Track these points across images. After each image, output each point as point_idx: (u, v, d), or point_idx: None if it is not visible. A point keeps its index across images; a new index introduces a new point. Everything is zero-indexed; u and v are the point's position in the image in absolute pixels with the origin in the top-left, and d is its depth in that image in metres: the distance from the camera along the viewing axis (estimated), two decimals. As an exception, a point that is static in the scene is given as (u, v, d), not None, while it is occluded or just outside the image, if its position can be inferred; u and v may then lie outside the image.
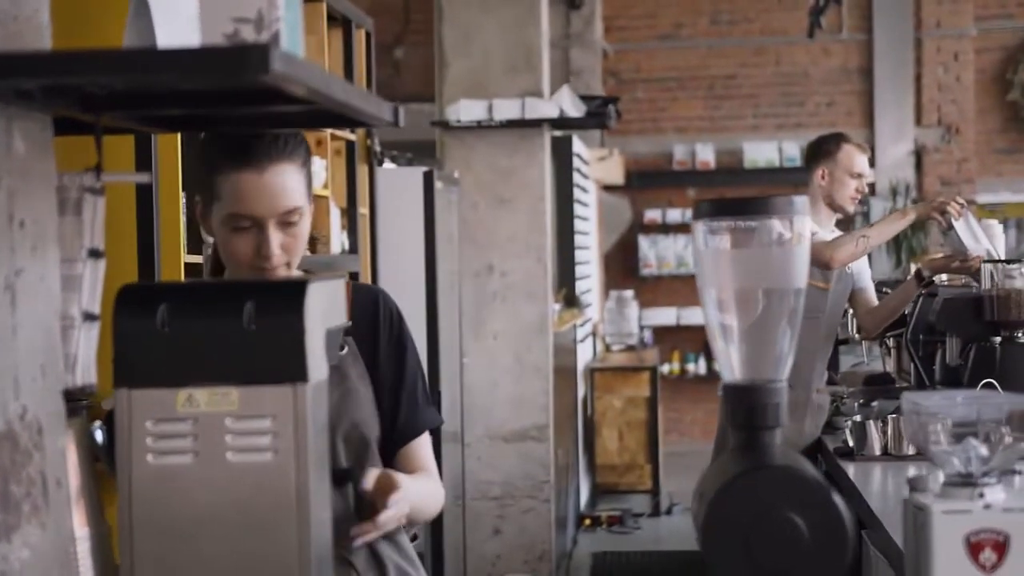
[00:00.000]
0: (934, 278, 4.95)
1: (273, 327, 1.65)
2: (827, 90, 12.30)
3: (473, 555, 6.72)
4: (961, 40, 12.10)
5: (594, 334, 10.10)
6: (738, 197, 1.92)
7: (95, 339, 1.63)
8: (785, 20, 12.17)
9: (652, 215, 12.09)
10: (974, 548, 1.76)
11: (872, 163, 12.00)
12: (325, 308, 1.76)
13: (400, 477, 2.26)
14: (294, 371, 1.65)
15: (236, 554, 1.64)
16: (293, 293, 1.67)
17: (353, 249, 5.32)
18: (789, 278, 1.87)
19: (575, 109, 6.61)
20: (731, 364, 1.88)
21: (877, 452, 4.41)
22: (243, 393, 1.63)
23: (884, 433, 4.41)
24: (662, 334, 11.72)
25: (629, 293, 10.32)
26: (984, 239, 4.85)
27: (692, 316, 11.65)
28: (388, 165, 6.38)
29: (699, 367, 12.04)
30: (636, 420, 9.10)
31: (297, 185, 2.24)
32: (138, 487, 1.63)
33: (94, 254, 1.61)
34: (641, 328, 10.61)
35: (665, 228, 12.05)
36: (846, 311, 5.49)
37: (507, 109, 6.55)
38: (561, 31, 12.15)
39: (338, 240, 5.13)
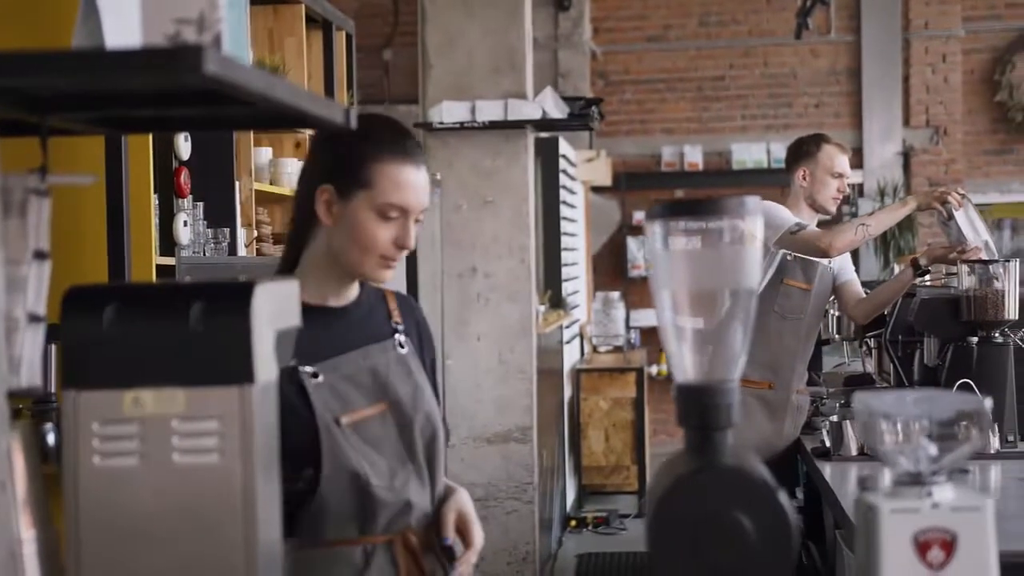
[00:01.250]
0: (930, 268, 4.95)
1: (219, 328, 1.64)
2: (815, 91, 12.31)
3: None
4: (949, 41, 12.11)
5: (581, 335, 10.10)
6: (691, 198, 1.92)
7: (40, 340, 1.63)
8: (773, 21, 12.19)
9: (640, 216, 12.08)
10: (922, 547, 1.76)
11: (860, 164, 12.13)
12: (275, 310, 1.76)
13: (473, 520, 2.52)
14: (240, 372, 1.65)
15: (182, 556, 1.64)
16: (240, 295, 1.66)
17: (333, 250, 5.32)
18: (742, 278, 1.88)
19: (558, 110, 6.62)
20: (684, 365, 1.88)
21: (854, 452, 4.42)
22: (189, 395, 1.63)
23: (860, 434, 4.42)
24: (650, 335, 11.72)
25: (616, 294, 10.32)
26: (983, 231, 4.85)
27: (681, 317, 11.62)
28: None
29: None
30: (622, 421, 9.10)
31: (428, 189, 2.41)
32: (84, 489, 1.63)
33: (39, 255, 1.61)
34: (628, 329, 10.61)
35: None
36: (827, 311, 5.50)
37: (490, 111, 6.55)
38: (549, 32, 12.16)
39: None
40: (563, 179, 9.14)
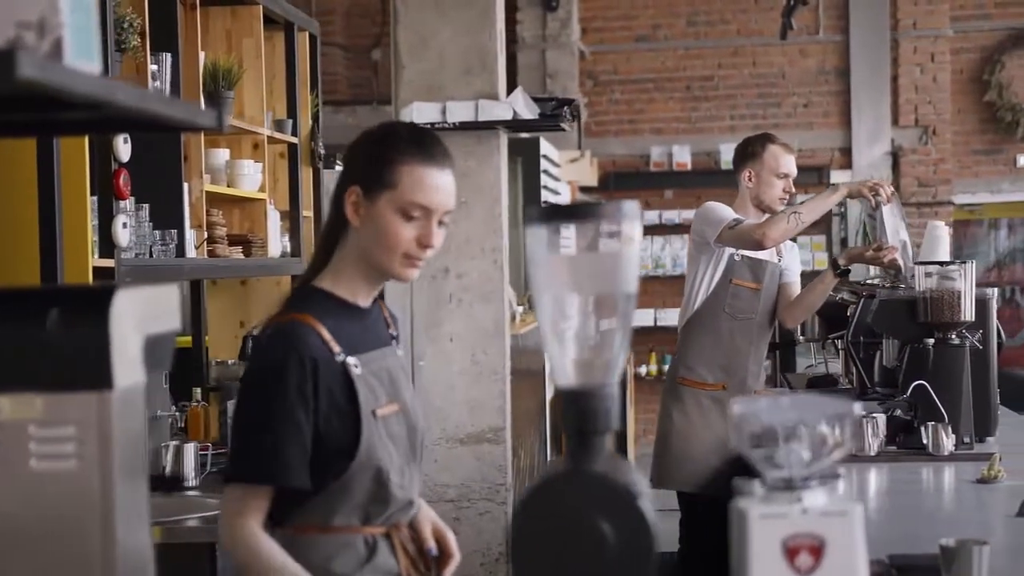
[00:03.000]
0: (850, 268, 4.95)
1: (77, 333, 1.64)
2: (804, 91, 12.29)
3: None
4: (938, 41, 12.09)
5: (566, 336, 10.07)
6: (569, 203, 1.92)
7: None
8: (762, 21, 12.16)
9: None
10: (791, 552, 1.75)
11: (849, 164, 12.11)
12: (145, 314, 1.76)
13: (447, 531, 2.68)
14: (99, 378, 1.64)
15: (40, 563, 1.64)
16: (99, 299, 1.66)
17: (296, 252, 5.32)
18: (620, 283, 1.88)
19: (529, 111, 6.59)
20: (564, 369, 1.88)
21: (808, 454, 4.40)
22: (47, 400, 1.63)
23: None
24: (639, 335, 11.70)
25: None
26: (904, 233, 4.85)
27: (670, 317, 11.63)
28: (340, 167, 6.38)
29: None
30: (603, 422, 9.05)
31: (454, 191, 2.51)
32: (-58, 495, 1.63)
33: None
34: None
35: (642, 229, 12.02)
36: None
37: (460, 111, 6.53)
38: (537, 33, 12.15)
39: (278, 243, 5.13)
40: (545, 179, 9.12)
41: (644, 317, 11.82)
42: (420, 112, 6.56)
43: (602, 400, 1.86)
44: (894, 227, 4.83)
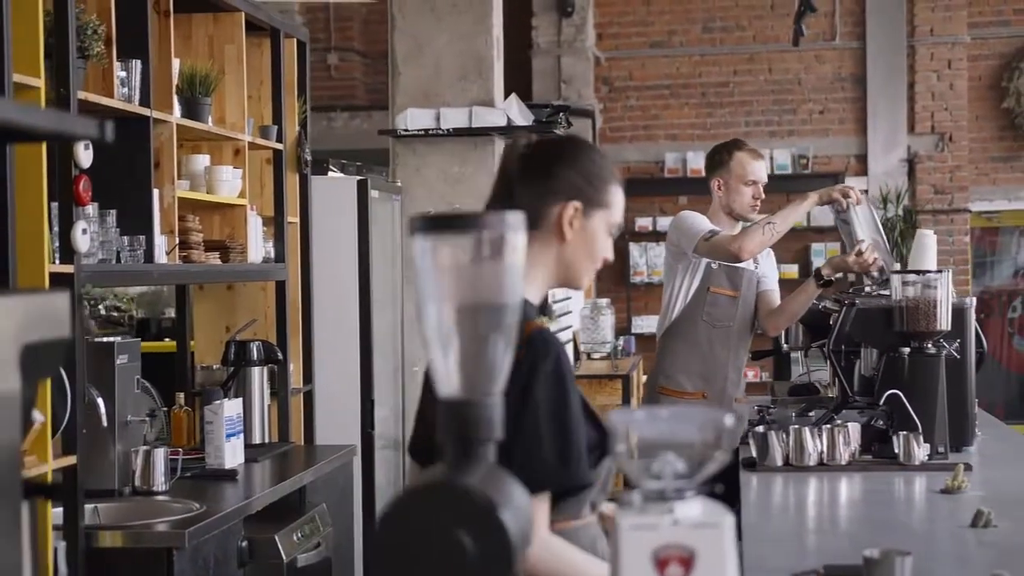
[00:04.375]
0: (832, 278, 4.92)
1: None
2: (819, 97, 12.25)
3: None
4: (955, 47, 12.02)
5: (575, 342, 10.07)
6: (452, 212, 1.92)
7: None
8: (778, 27, 12.13)
9: (643, 223, 12.06)
10: (660, 563, 1.75)
11: (864, 171, 12.07)
12: (22, 322, 1.77)
13: None
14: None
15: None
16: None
17: (280, 258, 5.34)
18: (504, 293, 1.88)
19: (523, 117, 6.62)
20: (448, 377, 1.89)
21: (779, 463, 4.39)
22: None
23: (786, 444, 4.40)
24: (649, 342, 11.67)
25: (604, 301, 10.28)
26: (874, 231, 4.82)
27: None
28: (334, 174, 6.41)
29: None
30: (606, 428, 9.05)
31: None
32: None
33: None
34: (617, 336, 10.55)
35: (656, 236, 11.99)
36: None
37: (455, 118, 6.56)
38: (552, 38, 12.16)
39: (260, 249, 5.15)
40: (552, 185, 9.10)
41: (654, 324, 11.78)
42: (414, 118, 6.60)
43: (485, 409, 1.86)
44: (868, 227, 4.81)
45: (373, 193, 5.90)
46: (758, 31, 12.30)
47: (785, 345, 5.61)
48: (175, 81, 4.47)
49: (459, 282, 1.90)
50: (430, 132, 6.54)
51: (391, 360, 6.36)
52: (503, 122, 6.57)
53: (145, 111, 4.16)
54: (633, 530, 1.78)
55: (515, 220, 1.89)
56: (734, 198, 4.95)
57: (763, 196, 5.05)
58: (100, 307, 9.33)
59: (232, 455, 4.76)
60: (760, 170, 5.01)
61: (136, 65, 4.07)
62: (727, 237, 4.71)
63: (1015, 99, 12.12)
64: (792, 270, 11.79)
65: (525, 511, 1.82)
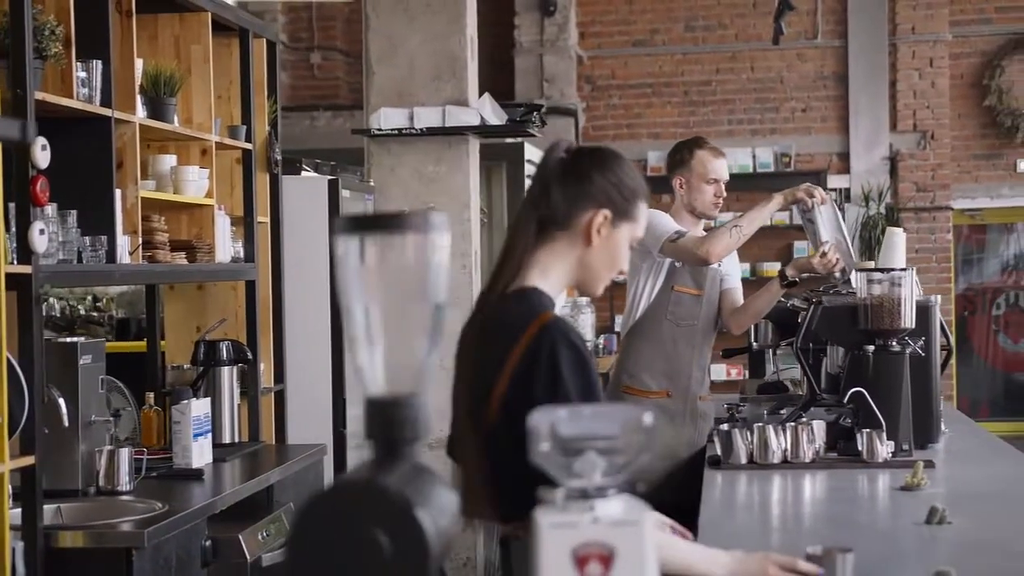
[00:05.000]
0: (797, 278, 4.93)
1: None
2: (802, 96, 12.27)
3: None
4: (936, 45, 12.05)
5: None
6: (376, 213, 1.93)
7: None
8: (760, 26, 12.13)
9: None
10: (580, 561, 1.76)
11: (847, 169, 12.08)
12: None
13: None
14: None
15: None
16: None
17: (250, 258, 5.35)
18: (429, 293, 1.89)
19: (496, 117, 6.61)
20: (374, 377, 1.89)
21: (743, 461, 4.40)
22: None
23: (750, 442, 4.41)
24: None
25: (584, 299, 10.30)
26: (840, 233, 4.83)
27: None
28: (308, 173, 6.41)
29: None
30: (585, 427, 9.05)
31: None
32: None
33: None
34: (599, 334, 10.58)
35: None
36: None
37: (428, 117, 6.56)
38: (535, 37, 12.17)
39: (229, 248, 5.15)
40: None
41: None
42: (388, 118, 6.59)
43: (410, 409, 1.87)
44: (832, 227, 4.82)
45: (344, 192, 5.91)
46: (740, 30, 12.31)
47: (755, 343, 5.62)
48: (139, 81, 4.47)
49: (384, 282, 1.90)
50: (404, 132, 6.53)
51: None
52: (476, 121, 6.56)
53: (106, 111, 4.16)
54: (553, 528, 1.78)
55: (439, 220, 1.89)
56: (696, 196, 4.95)
57: (724, 194, 5.05)
58: (80, 307, 9.32)
59: (199, 455, 4.76)
60: (721, 168, 5.01)
61: (97, 65, 4.07)
62: (694, 240, 4.72)
63: (997, 97, 12.15)
64: (775, 268, 11.78)
65: (448, 511, 1.83)
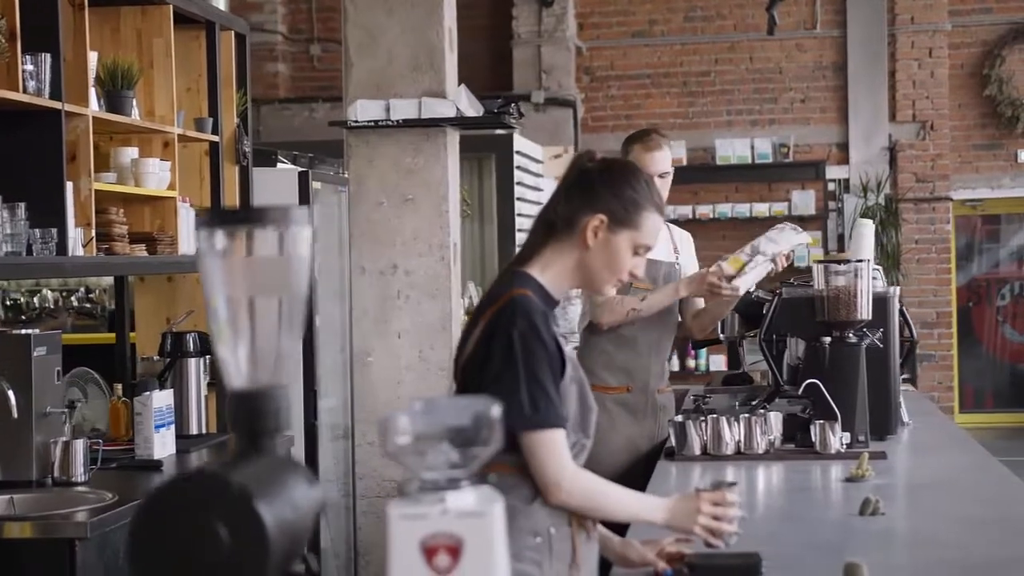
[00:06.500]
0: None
1: None
2: (801, 86, 12.24)
3: (377, 553, 6.74)
4: (935, 35, 12.00)
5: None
6: (237, 206, 1.94)
7: None
8: (759, 16, 12.05)
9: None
10: (429, 552, 1.77)
11: (846, 160, 12.04)
12: None
13: None
14: None
15: None
16: None
17: (217, 249, 5.36)
18: (290, 285, 1.90)
19: (473, 109, 6.61)
20: (237, 369, 1.90)
21: (697, 452, 4.41)
22: None
23: (703, 434, 4.41)
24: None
25: (575, 291, 10.27)
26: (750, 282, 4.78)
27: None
28: (284, 165, 6.43)
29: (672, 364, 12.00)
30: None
31: None
32: None
33: None
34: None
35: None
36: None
37: (404, 109, 6.56)
38: (532, 28, 12.17)
39: (192, 241, 5.17)
40: (521, 176, 9.13)
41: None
42: (364, 109, 6.60)
43: (272, 400, 1.89)
44: (750, 276, 4.78)
45: (316, 184, 5.92)
46: (739, 20, 12.29)
47: (722, 335, 5.61)
48: (93, 74, 4.49)
49: (245, 275, 1.91)
50: (380, 123, 6.54)
51: (340, 351, 6.38)
52: (453, 113, 6.56)
53: (56, 104, 4.18)
54: (402, 519, 1.79)
55: (300, 214, 1.90)
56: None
57: (663, 189, 5.01)
58: (72, 299, 9.38)
59: (162, 446, 4.78)
60: (655, 162, 4.99)
61: (46, 59, 4.09)
62: (597, 303, 4.81)
63: (997, 87, 12.10)
64: (777, 259, 11.77)
65: (302, 505, 1.84)
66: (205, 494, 1.71)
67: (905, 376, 10.88)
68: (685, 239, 5.25)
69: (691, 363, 11.68)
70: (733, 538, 2.85)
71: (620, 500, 2.88)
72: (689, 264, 5.15)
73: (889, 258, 11.73)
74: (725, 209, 12.00)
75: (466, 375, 2.84)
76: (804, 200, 12.03)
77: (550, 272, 2.83)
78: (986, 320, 13.03)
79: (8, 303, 9.41)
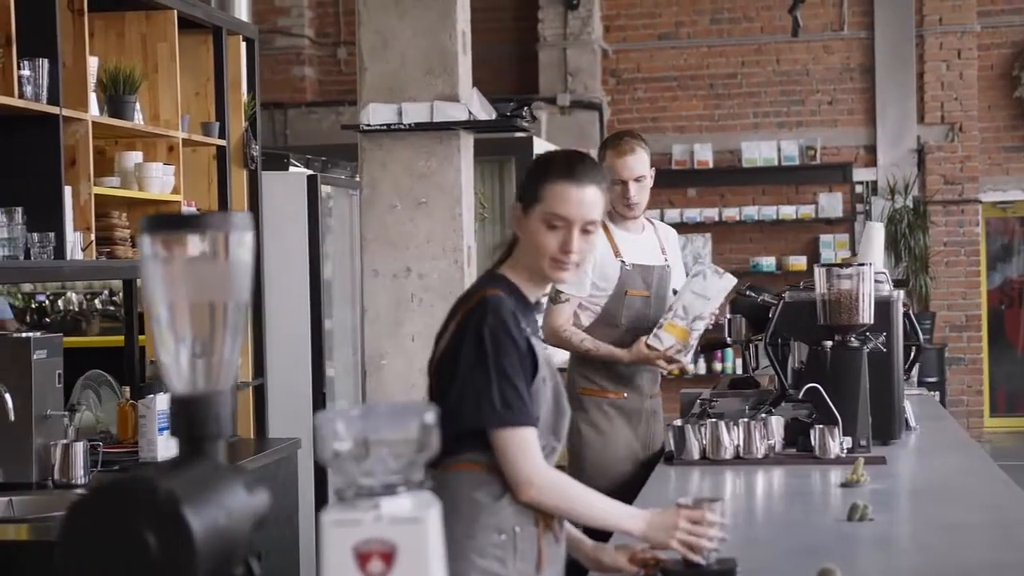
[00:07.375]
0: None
1: None
2: (828, 88, 12.18)
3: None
4: (964, 36, 11.92)
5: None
6: (179, 213, 1.95)
7: None
8: (785, 18, 11.89)
9: (650, 214, 11.99)
10: (362, 558, 1.77)
11: (874, 162, 11.97)
12: None
13: None
14: None
15: None
16: None
17: (224, 253, 5.38)
18: (231, 291, 1.90)
19: (485, 112, 6.61)
20: (179, 374, 1.91)
21: (696, 456, 4.39)
22: None
23: (702, 438, 4.39)
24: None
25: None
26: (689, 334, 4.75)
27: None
28: (296, 169, 6.45)
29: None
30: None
31: (600, 203, 2.86)
32: None
33: None
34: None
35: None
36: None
37: (416, 112, 6.57)
38: (558, 31, 12.16)
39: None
40: (542, 179, 9.11)
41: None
42: (376, 113, 6.61)
43: (213, 406, 1.89)
44: (690, 311, 4.76)
45: (326, 188, 5.93)
46: (766, 22, 12.24)
47: (728, 338, 5.59)
48: (94, 79, 4.52)
49: (187, 280, 1.92)
50: (392, 127, 6.55)
51: (352, 354, 6.39)
52: (465, 116, 6.56)
53: (54, 109, 4.20)
54: (335, 526, 1.79)
55: (241, 220, 1.90)
56: (608, 199, 4.91)
57: (632, 192, 4.99)
58: (96, 301, 9.44)
59: (166, 448, 4.80)
60: (626, 167, 4.95)
61: (43, 64, 4.12)
62: (551, 317, 4.79)
63: (1027, 88, 12.00)
64: (800, 262, 11.74)
65: (238, 512, 1.84)
66: (132, 500, 1.71)
67: (931, 379, 10.82)
68: (671, 237, 5.25)
69: (716, 366, 11.64)
70: (713, 554, 2.81)
71: (593, 504, 2.88)
72: (677, 266, 5.14)
73: (917, 261, 11.66)
74: (752, 212, 11.95)
75: (439, 374, 2.87)
76: (831, 203, 11.97)
77: (517, 271, 2.89)
78: (1020, 323, 12.93)
79: (34, 306, 9.49)
